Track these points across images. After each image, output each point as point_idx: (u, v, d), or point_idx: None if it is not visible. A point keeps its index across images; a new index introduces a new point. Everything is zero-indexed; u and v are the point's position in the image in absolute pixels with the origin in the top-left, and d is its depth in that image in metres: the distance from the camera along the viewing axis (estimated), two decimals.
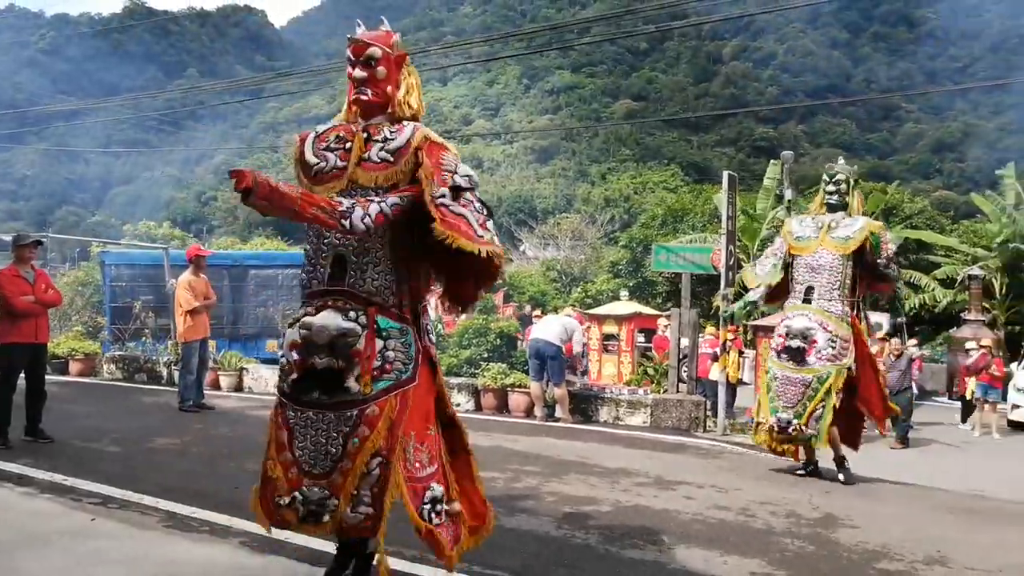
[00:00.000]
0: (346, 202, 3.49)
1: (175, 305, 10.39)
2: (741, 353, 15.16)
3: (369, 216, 3.49)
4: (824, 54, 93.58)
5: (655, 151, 76.79)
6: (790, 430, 7.26)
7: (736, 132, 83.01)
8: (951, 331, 22.62)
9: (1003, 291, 23.88)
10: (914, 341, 16.54)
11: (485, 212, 3.70)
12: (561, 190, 64.66)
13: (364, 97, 3.84)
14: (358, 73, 3.85)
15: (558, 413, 10.83)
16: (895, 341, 13.77)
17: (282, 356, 3.80)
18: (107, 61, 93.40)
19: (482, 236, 3.59)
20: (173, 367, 12.94)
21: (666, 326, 14.06)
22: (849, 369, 7.30)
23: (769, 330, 13.27)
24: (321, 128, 4.00)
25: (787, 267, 7.83)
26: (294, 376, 3.66)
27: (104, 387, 12.75)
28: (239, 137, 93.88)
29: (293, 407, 3.67)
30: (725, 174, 11.38)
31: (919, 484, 7.94)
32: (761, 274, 8.08)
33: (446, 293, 4.02)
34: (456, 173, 3.67)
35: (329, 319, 3.61)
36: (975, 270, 22.33)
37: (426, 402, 3.81)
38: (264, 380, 12.75)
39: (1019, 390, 15.28)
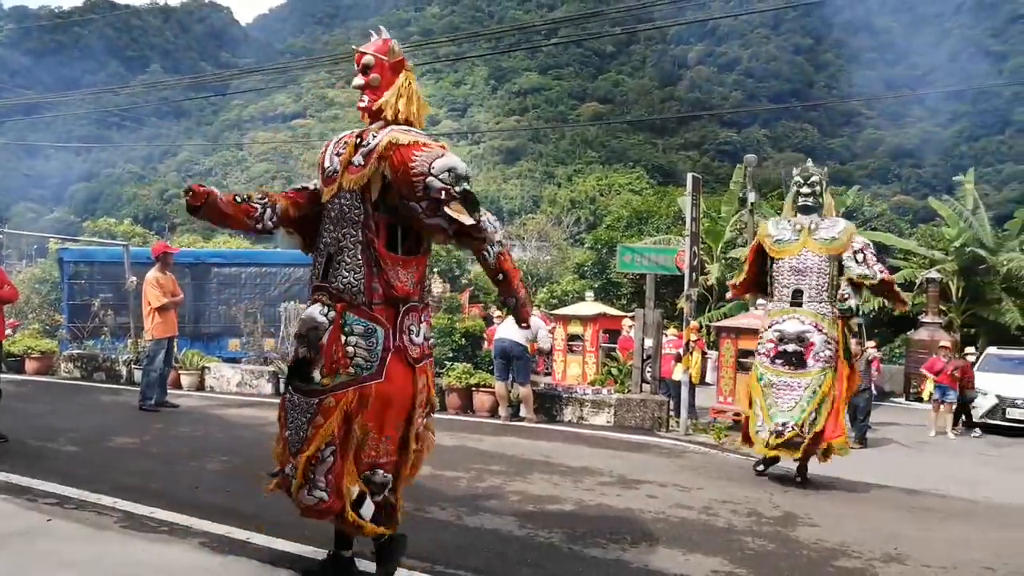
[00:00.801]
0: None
1: (143, 302, 10.21)
2: (704, 354, 15.28)
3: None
4: (787, 59, 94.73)
5: (621, 153, 77.23)
6: (786, 433, 7.17)
7: (700, 136, 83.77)
8: (908, 333, 22.98)
9: (959, 294, 24.31)
10: (873, 343, 16.77)
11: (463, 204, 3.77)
12: (527, 191, 64.82)
13: (362, 104, 4.06)
14: (356, 81, 4.05)
15: (522, 412, 10.84)
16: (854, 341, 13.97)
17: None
18: (67, 55, 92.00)
19: (447, 225, 3.76)
20: (133, 366, 12.76)
21: (630, 326, 14.12)
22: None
23: (732, 331, 13.44)
24: (343, 134, 4.18)
25: (765, 269, 7.83)
26: (290, 363, 4.01)
27: (61, 386, 12.54)
28: (203, 134, 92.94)
29: (289, 391, 3.97)
30: (689, 176, 11.46)
31: (877, 483, 8.04)
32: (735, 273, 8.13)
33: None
34: (430, 174, 3.69)
35: (310, 312, 3.91)
36: (932, 273, 22.71)
37: (397, 398, 3.87)
38: (226, 379, 12.62)
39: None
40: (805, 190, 7.73)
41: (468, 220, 3.72)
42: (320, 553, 4.40)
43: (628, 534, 5.22)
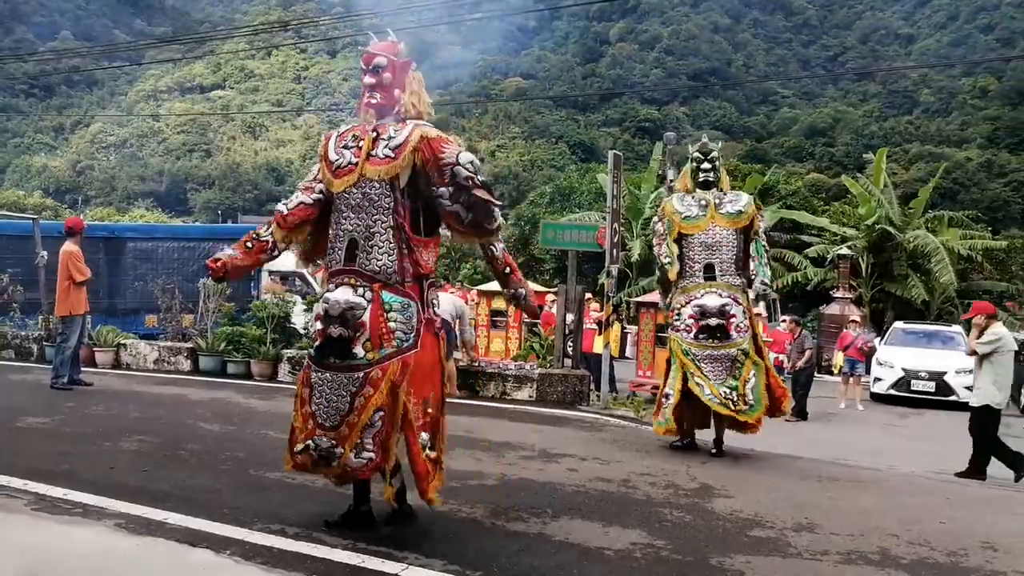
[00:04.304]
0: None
1: (60, 277, 9.80)
2: (623, 328, 15.51)
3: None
4: (706, 38, 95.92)
5: (543, 129, 77.43)
6: (732, 405, 7.26)
7: (622, 112, 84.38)
8: (821, 308, 23.72)
9: (868, 270, 25.17)
10: (785, 318, 17.26)
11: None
12: None
13: (373, 101, 4.43)
14: (367, 80, 4.48)
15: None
16: (788, 318, 14.48)
17: (310, 325, 4.44)
18: None
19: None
20: (44, 343, 12.36)
21: (553, 302, 14.24)
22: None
23: (651, 306, 13.66)
24: (343, 128, 4.58)
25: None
26: (318, 343, 4.35)
27: None
28: (117, 104, 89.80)
29: (315, 369, 4.32)
30: (611, 154, 11.56)
31: (789, 454, 8.30)
32: (669, 262, 7.77)
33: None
34: (457, 164, 4.19)
35: (342, 294, 4.28)
36: (844, 250, 23.47)
37: (429, 364, 4.40)
38: (143, 356, 12.31)
39: (882, 364, 16.19)
40: (706, 166, 7.79)
41: (495, 200, 4.24)
42: (238, 531, 4.38)
43: (549, 508, 5.28)
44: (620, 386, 12.68)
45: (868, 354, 15.31)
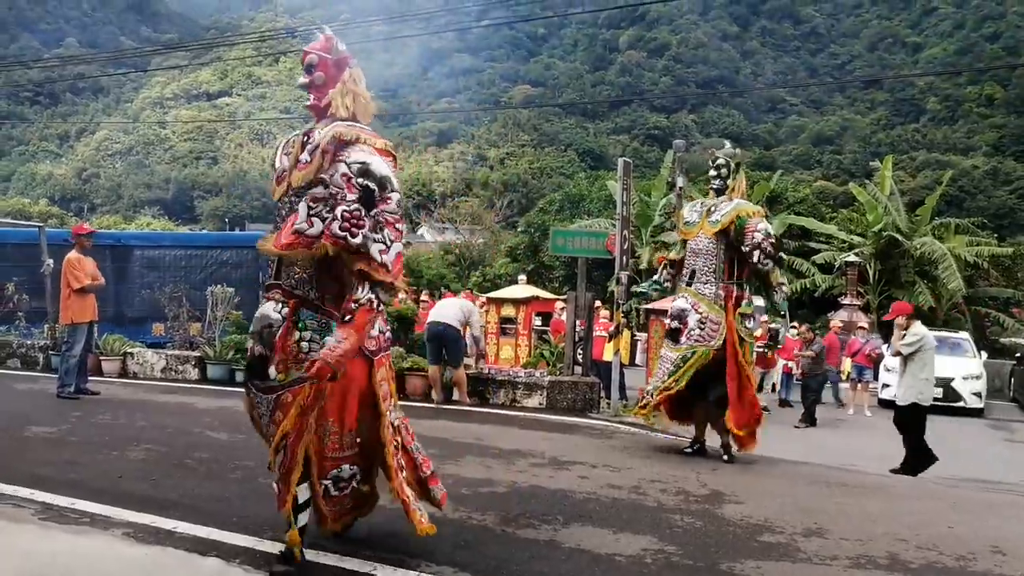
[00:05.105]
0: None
1: (62, 285, 9.83)
2: (633, 336, 15.47)
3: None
4: (715, 46, 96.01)
5: (552, 137, 77.49)
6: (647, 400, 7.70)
7: (631, 120, 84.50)
8: (829, 314, 23.69)
9: (876, 277, 25.13)
10: (795, 324, 17.22)
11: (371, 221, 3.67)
12: (459, 173, 64.60)
13: (308, 103, 4.10)
14: (301, 80, 4.11)
15: (456, 396, 10.80)
16: (804, 327, 14.45)
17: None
18: None
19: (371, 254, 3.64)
20: (50, 352, 12.37)
21: (563, 309, 14.20)
22: (720, 350, 7.45)
23: (662, 313, 13.63)
24: (293, 134, 4.18)
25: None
26: (246, 362, 4.09)
27: None
28: (123, 112, 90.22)
29: (251, 390, 3.96)
30: (620, 161, 11.55)
31: (798, 460, 8.27)
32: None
33: None
34: (343, 161, 3.75)
35: (264, 310, 3.93)
36: (851, 256, 23.44)
37: (354, 390, 3.93)
38: (150, 365, 12.31)
39: (889, 371, 16.12)
40: (712, 173, 7.96)
41: (359, 225, 3.64)
42: (247, 540, 4.36)
43: (560, 515, 5.26)
44: (630, 393, 12.63)
45: (876, 360, 15.26)
